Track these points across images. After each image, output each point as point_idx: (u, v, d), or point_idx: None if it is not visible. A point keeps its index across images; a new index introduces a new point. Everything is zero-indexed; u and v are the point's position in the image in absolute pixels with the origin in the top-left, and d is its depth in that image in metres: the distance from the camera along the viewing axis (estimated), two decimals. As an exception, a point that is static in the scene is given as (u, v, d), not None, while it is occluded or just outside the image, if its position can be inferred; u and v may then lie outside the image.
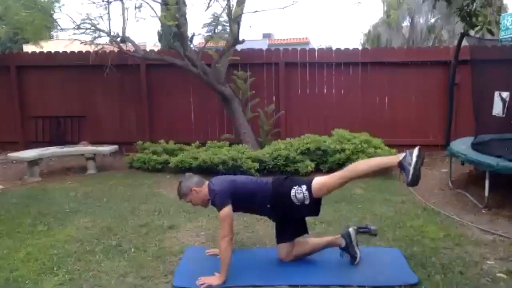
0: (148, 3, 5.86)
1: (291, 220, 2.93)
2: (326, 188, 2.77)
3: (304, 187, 2.76)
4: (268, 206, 2.86)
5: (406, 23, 17.99)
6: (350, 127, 6.50)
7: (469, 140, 4.93)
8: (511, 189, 4.45)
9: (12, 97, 7.54)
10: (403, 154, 2.68)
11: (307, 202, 2.75)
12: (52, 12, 6.74)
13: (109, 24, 7.17)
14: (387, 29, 18.07)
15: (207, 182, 2.91)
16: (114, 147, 6.41)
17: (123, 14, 6.10)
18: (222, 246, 2.66)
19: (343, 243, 2.90)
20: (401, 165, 2.63)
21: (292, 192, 2.76)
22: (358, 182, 5.21)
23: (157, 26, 14.70)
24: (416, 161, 2.56)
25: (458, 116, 6.65)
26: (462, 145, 4.82)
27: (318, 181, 2.79)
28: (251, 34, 28.62)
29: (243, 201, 2.83)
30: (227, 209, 2.69)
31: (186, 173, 3.06)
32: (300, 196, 2.75)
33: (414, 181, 2.60)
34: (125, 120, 7.52)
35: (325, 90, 7.21)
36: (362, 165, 2.81)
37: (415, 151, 2.62)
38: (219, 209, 2.71)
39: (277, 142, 5.96)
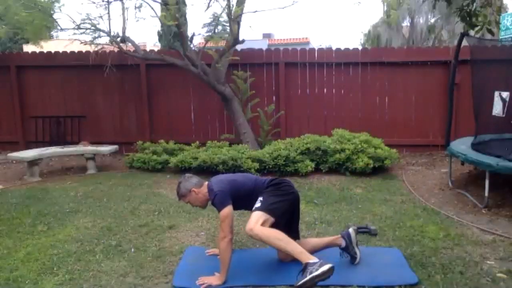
0: (148, 3, 5.87)
1: (284, 223, 2.89)
2: (250, 229, 2.61)
3: (258, 204, 2.73)
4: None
5: (406, 23, 17.98)
6: (350, 127, 6.51)
7: (469, 140, 4.93)
8: (511, 189, 4.45)
9: (12, 97, 7.54)
10: (343, 242, 2.85)
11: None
12: (52, 12, 6.73)
13: (109, 24, 7.21)
14: (387, 29, 18.06)
15: (206, 183, 2.91)
16: (114, 147, 6.41)
17: (123, 14, 6.10)
18: (222, 247, 2.66)
19: (343, 243, 2.90)
20: (305, 267, 2.50)
21: (256, 201, 2.78)
22: (358, 182, 5.23)
23: (157, 26, 14.69)
24: (317, 275, 2.40)
25: (458, 116, 6.65)
26: (462, 145, 4.82)
27: (259, 214, 2.66)
28: (251, 34, 28.68)
29: (243, 200, 2.83)
30: (227, 209, 2.68)
31: (186, 174, 3.06)
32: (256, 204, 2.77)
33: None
34: (125, 120, 7.52)
35: (325, 90, 7.20)
36: (279, 242, 2.59)
37: (325, 267, 2.43)
38: (219, 210, 2.70)
39: (277, 142, 5.96)
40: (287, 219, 2.87)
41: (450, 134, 5.18)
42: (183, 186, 2.88)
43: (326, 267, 2.42)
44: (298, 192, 3.00)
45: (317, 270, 2.41)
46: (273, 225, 2.71)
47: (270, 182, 2.88)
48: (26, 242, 3.43)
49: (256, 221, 2.63)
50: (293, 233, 2.91)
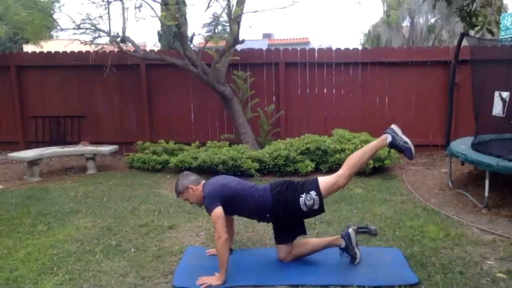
0: (148, 3, 5.87)
1: (290, 223, 2.93)
2: (337, 187, 2.82)
3: (313, 193, 2.75)
4: (268, 215, 2.87)
5: (406, 23, 18.00)
6: (350, 127, 6.51)
7: (469, 140, 4.93)
8: (511, 189, 4.45)
9: (12, 97, 7.54)
10: (388, 136, 2.83)
11: (316, 207, 2.76)
12: (52, 12, 6.72)
13: (109, 24, 7.22)
14: (387, 29, 18.08)
15: (203, 182, 2.93)
16: (114, 147, 6.41)
17: (123, 14, 6.10)
18: (218, 247, 2.66)
19: (343, 243, 2.90)
20: (395, 146, 2.83)
21: (301, 200, 2.76)
22: (358, 182, 5.23)
23: (157, 26, 14.70)
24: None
25: (458, 116, 6.66)
26: (462, 145, 4.82)
27: (327, 182, 2.79)
28: (251, 34, 28.71)
29: (233, 206, 2.84)
30: (217, 210, 2.69)
31: (185, 171, 3.08)
32: (310, 202, 2.75)
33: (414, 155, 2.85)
34: (125, 120, 7.52)
35: (325, 90, 7.20)
36: (359, 155, 2.84)
37: (398, 130, 2.85)
38: (209, 212, 2.73)
39: (277, 142, 5.96)
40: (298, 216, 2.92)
41: (450, 134, 5.18)
42: (180, 182, 2.90)
43: (398, 129, 2.85)
44: None
45: (402, 138, 2.82)
46: (282, 222, 2.90)
47: (275, 194, 2.83)
48: (26, 242, 3.43)
49: (338, 175, 2.82)
50: (301, 228, 2.97)
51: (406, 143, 2.81)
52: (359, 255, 2.90)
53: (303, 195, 2.76)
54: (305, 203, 2.75)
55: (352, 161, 2.83)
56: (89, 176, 5.98)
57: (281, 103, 7.05)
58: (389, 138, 2.82)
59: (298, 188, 2.81)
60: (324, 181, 2.81)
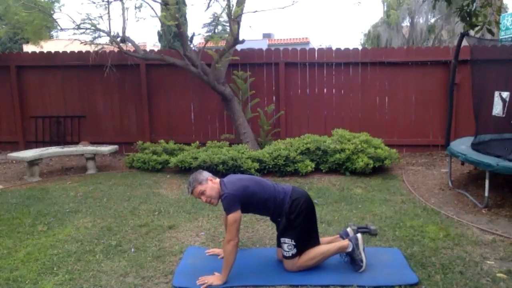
0: (148, 3, 5.87)
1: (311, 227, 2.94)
2: (292, 265, 2.83)
3: (294, 250, 2.80)
4: (279, 219, 2.87)
5: (406, 23, 18.03)
6: (350, 127, 6.51)
7: (469, 140, 4.93)
8: (511, 189, 4.45)
9: (12, 97, 7.54)
10: (350, 245, 2.83)
11: (292, 252, 2.82)
12: (52, 12, 6.72)
13: (109, 24, 7.22)
14: (387, 29, 18.10)
15: (218, 179, 2.87)
16: (114, 147, 6.41)
17: (123, 14, 6.09)
18: (227, 249, 2.65)
19: (349, 248, 2.84)
20: (351, 257, 2.84)
21: (285, 240, 2.81)
22: (358, 182, 5.23)
23: (157, 26, 14.71)
24: (364, 256, 2.84)
25: (458, 116, 6.66)
26: (462, 145, 4.82)
27: (306, 257, 2.82)
28: (251, 34, 28.74)
29: (252, 207, 2.84)
30: (236, 214, 2.65)
31: (199, 169, 3.05)
32: (286, 249, 2.82)
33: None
34: (125, 120, 7.52)
35: (325, 90, 7.20)
36: (322, 254, 2.86)
37: (361, 244, 2.84)
38: (227, 213, 2.68)
39: (277, 142, 5.96)
40: (312, 223, 2.94)
41: (450, 134, 5.18)
42: (199, 174, 2.82)
43: (360, 242, 2.84)
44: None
45: (361, 253, 2.82)
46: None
47: (290, 207, 2.82)
48: (26, 242, 3.43)
49: (294, 266, 2.83)
50: (316, 235, 2.97)
51: (361, 261, 2.81)
52: (365, 262, 2.81)
53: (287, 240, 2.81)
54: (283, 247, 2.83)
55: (313, 254, 2.84)
56: (89, 176, 5.97)
57: (281, 103, 7.05)
58: (350, 248, 2.84)
59: (290, 230, 2.81)
60: (306, 255, 2.84)
